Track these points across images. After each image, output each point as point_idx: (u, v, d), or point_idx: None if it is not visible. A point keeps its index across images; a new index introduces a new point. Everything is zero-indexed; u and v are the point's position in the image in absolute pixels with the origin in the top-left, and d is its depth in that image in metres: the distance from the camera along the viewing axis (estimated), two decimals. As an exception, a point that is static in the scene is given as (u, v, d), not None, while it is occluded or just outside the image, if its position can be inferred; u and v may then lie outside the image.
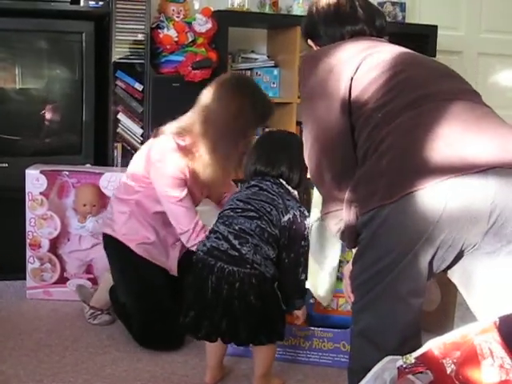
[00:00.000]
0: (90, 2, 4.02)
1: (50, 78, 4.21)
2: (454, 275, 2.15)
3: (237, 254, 2.54)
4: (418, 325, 2.08)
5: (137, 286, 3.25)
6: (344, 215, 2.16)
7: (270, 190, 2.70)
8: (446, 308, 3.23)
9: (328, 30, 2.43)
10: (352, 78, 2.15)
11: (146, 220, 3.31)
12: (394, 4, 5.04)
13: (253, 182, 2.76)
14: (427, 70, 2.21)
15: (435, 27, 4.95)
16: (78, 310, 3.50)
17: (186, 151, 3.20)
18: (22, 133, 4.12)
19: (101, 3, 4.03)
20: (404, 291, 2.01)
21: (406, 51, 2.28)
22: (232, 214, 2.66)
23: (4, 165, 3.95)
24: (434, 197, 1.91)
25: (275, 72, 4.78)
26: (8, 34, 4.00)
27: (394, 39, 4.76)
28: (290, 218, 2.66)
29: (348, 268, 2.28)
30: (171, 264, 3.36)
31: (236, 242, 2.57)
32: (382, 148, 2.02)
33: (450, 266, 2.08)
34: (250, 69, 4.74)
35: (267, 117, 3.30)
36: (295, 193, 2.80)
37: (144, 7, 4.13)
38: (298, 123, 4.81)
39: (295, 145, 2.72)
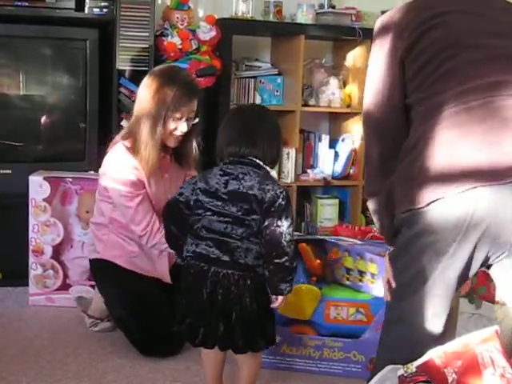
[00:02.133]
0: (95, 10, 4.03)
1: (54, 84, 4.22)
2: (494, 279, 2.17)
3: (228, 259, 2.46)
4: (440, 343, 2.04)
5: (129, 299, 3.24)
6: (382, 217, 2.22)
7: (247, 178, 2.50)
8: (448, 317, 3.22)
9: None
10: (404, 61, 2.13)
11: (125, 235, 3.30)
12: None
13: (226, 169, 2.53)
14: (483, 52, 2.07)
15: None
16: (80, 317, 3.50)
17: (132, 151, 3.21)
18: (25, 139, 4.12)
19: (105, 10, 4.04)
20: (430, 310, 2.02)
21: (475, 16, 2.14)
22: (214, 218, 2.49)
23: (7, 171, 3.96)
24: (462, 205, 1.92)
25: (279, 80, 4.78)
26: (12, 40, 4.01)
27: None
28: (269, 199, 2.45)
29: (387, 259, 2.28)
30: (161, 272, 3.35)
31: (226, 248, 2.47)
32: (418, 149, 2.02)
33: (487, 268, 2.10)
34: (254, 77, 4.75)
35: (189, 92, 3.20)
36: (273, 173, 2.65)
37: (148, 15, 4.14)
38: (302, 131, 4.82)
39: (268, 118, 2.68)
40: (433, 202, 1.95)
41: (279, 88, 4.79)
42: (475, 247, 1.96)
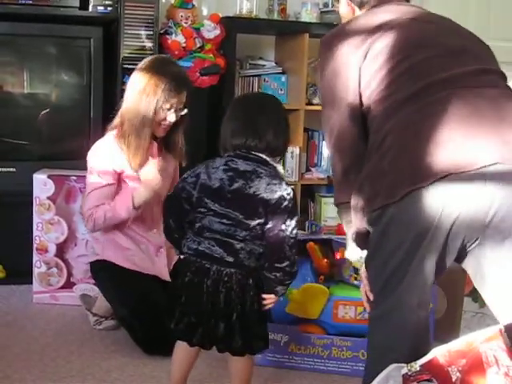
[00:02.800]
0: (99, 8, 4.03)
1: (58, 82, 4.22)
2: (468, 269, 2.17)
3: (232, 260, 2.41)
4: (429, 332, 2.11)
5: (131, 298, 3.24)
6: (353, 220, 2.20)
7: (254, 178, 2.43)
8: (452, 316, 3.22)
9: None
10: (360, 68, 2.17)
11: (121, 233, 3.34)
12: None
13: (232, 164, 2.46)
14: (439, 49, 2.15)
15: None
16: (85, 315, 3.50)
17: (121, 140, 3.29)
18: (29, 137, 4.13)
19: (109, 9, 4.04)
20: (414, 300, 2.04)
21: (424, 23, 2.25)
22: (217, 219, 2.43)
23: (12, 169, 3.96)
24: (434, 195, 1.94)
25: (283, 79, 4.78)
26: (16, 38, 4.02)
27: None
28: (275, 200, 2.40)
29: (364, 271, 2.29)
30: (159, 270, 3.37)
31: (230, 249, 2.42)
32: (384, 146, 2.05)
33: (457, 261, 2.11)
34: (258, 75, 4.74)
35: (178, 83, 3.26)
36: (280, 168, 2.55)
37: (152, 13, 4.14)
38: (306, 130, 4.81)
39: (275, 106, 2.62)
40: (405, 194, 1.97)
41: (283, 86, 4.79)
42: (449, 235, 1.98)
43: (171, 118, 3.26)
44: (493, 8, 5.65)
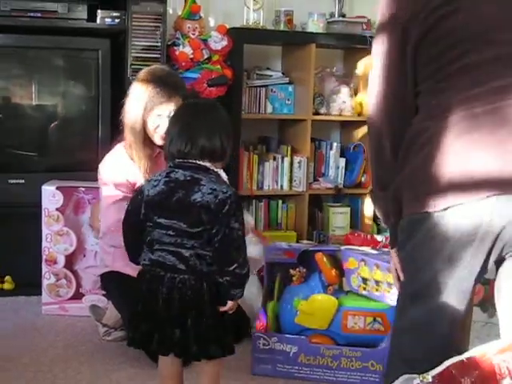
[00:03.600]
0: (107, 20, 4.05)
1: (67, 94, 4.24)
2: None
3: (184, 267, 2.40)
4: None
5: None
6: (389, 213, 2.16)
7: (193, 186, 2.40)
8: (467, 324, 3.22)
9: None
10: (417, 45, 1.98)
11: None
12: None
13: (172, 175, 2.44)
14: (505, 49, 1.92)
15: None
16: (94, 326, 3.50)
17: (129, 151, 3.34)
18: (38, 149, 4.15)
19: (117, 21, 4.06)
20: (448, 315, 1.99)
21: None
22: (163, 232, 2.43)
23: (21, 181, 3.97)
24: (476, 213, 1.88)
25: (290, 89, 4.79)
26: (25, 50, 4.04)
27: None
28: (216, 205, 2.38)
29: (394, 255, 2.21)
30: None
31: (180, 257, 2.41)
32: (425, 151, 1.95)
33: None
34: (265, 85, 4.76)
35: (164, 89, 3.26)
36: (221, 173, 2.51)
37: (160, 24, 4.15)
38: (313, 140, 4.82)
39: (210, 111, 2.57)
40: (448, 207, 1.90)
41: (290, 97, 4.80)
42: (489, 255, 1.94)
43: (163, 126, 3.18)
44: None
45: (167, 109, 3.23)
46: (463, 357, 1.70)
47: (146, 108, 3.24)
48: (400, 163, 2.05)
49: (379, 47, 2.07)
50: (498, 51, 1.91)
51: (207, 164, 2.47)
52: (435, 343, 1.99)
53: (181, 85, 3.42)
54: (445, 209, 1.90)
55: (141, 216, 2.50)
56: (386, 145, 2.11)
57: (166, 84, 3.27)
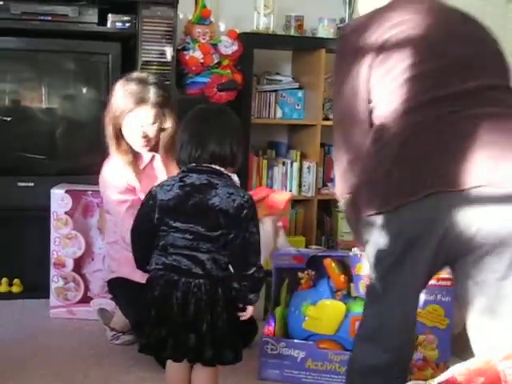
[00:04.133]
0: (117, 24, 4.05)
1: (77, 98, 4.25)
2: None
3: (200, 271, 2.42)
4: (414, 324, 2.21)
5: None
6: (350, 214, 2.31)
7: (210, 190, 2.43)
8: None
9: None
10: (371, 66, 2.17)
11: None
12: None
13: (186, 179, 2.47)
14: (449, 59, 2.14)
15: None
16: (102, 330, 3.50)
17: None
18: (47, 152, 4.15)
19: (127, 25, 4.06)
20: (403, 297, 2.13)
21: (443, 21, 2.22)
22: (179, 235, 2.44)
23: (30, 184, 3.98)
24: (424, 207, 2.00)
25: (300, 94, 4.80)
26: (35, 54, 4.05)
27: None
28: (234, 210, 2.40)
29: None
30: None
31: (196, 261, 2.43)
32: (384, 152, 2.10)
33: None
34: (275, 90, 4.76)
35: (136, 99, 3.24)
36: (234, 177, 2.57)
37: (170, 29, 4.15)
38: (322, 145, 4.82)
39: (220, 116, 2.60)
40: (398, 207, 2.02)
41: (300, 102, 4.80)
42: (438, 252, 2.04)
43: (137, 133, 3.26)
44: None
45: (136, 117, 3.23)
46: (469, 364, 1.70)
47: (115, 115, 3.25)
48: (358, 171, 2.21)
49: (339, 69, 2.30)
50: (441, 63, 2.12)
51: (221, 168, 2.48)
52: (393, 323, 2.15)
53: (150, 94, 3.29)
54: (395, 208, 2.03)
55: (154, 221, 2.50)
56: (344, 157, 2.29)
57: (140, 93, 3.25)
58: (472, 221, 1.98)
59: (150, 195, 2.54)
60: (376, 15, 2.25)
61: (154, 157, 3.36)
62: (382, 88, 2.15)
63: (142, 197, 3.17)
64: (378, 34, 2.17)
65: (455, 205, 1.98)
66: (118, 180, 3.30)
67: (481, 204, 1.97)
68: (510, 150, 1.99)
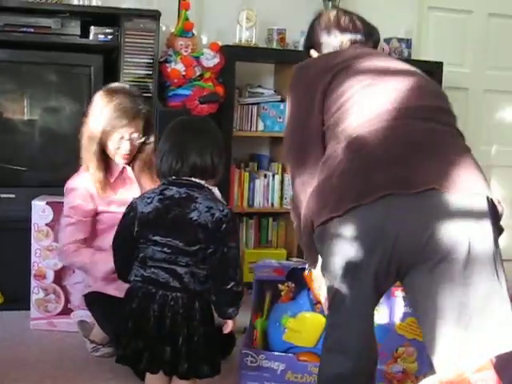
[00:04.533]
0: (99, 36, 4.07)
1: (58, 109, 4.25)
2: (405, 292, 2.27)
3: (178, 284, 2.43)
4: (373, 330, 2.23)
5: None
6: (302, 234, 2.34)
7: (189, 203, 2.44)
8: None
9: (330, 37, 2.64)
10: (325, 91, 2.33)
11: None
12: (400, 40, 5.09)
13: (166, 192, 2.48)
14: (394, 84, 2.31)
15: (441, 64, 4.99)
16: (82, 342, 3.48)
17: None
18: (29, 164, 4.16)
19: (110, 37, 4.08)
20: (358, 308, 2.15)
21: (382, 62, 2.45)
22: (158, 249, 2.45)
23: (11, 195, 3.99)
24: (375, 211, 2.05)
25: (282, 106, 4.80)
26: (18, 65, 4.07)
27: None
28: (213, 223, 2.41)
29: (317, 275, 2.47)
30: None
31: (174, 274, 2.43)
32: (334, 163, 2.17)
33: (401, 280, 2.19)
34: (257, 103, 4.78)
35: (125, 112, 3.23)
36: (215, 190, 2.60)
37: (152, 41, 4.17)
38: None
39: (201, 128, 2.59)
40: (349, 209, 2.07)
41: (282, 114, 4.80)
42: (386, 253, 2.07)
43: (124, 147, 3.27)
44: (490, 37, 5.69)
45: (126, 132, 3.24)
46: (441, 376, 1.71)
47: (105, 130, 3.22)
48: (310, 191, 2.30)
49: (294, 97, 2.47)
50: (375, 91, 2.28)
51: (201, 182, 2.48)
52: (352, 335, 2.18)
53: (142, 107, 3.33)
54: (345, 212, 2.08)
55: (134, 233, 2.51)
56: (298, 179, 2.41)
57: (128, 107, 3.25)
58: (424, 225, 2.03)
59: (131, 207, 2.54)
60: (325, 55, 2.58)
61: (124, 168, 3.38)
62: (335, 109, 2.28)
63: (115, 209, 3.21)
64: (329, 66, 2.39)
65: (406, 208, 2.03)
66: (72, 196, 3.34)
67: (432, 207, 2.03)
68: (457, 160, 2.12)
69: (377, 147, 2.12)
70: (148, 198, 2.50)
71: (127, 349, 2.50)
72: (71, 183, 3.37)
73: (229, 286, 2.44)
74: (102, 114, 3.23)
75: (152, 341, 2.44)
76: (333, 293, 2.19)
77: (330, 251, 2.15)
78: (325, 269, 2.23)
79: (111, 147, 3.27)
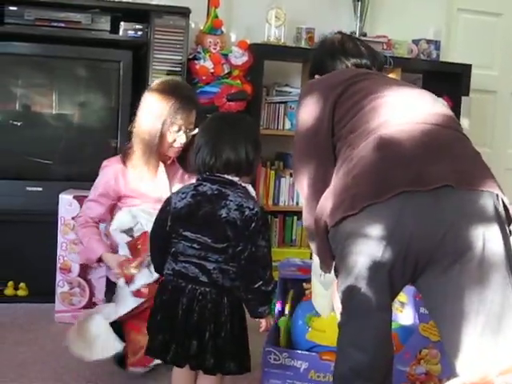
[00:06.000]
0: (129, 32, 4.09)
1: (87, 104, 4.28)
2: (420, 292, 2.25)
3: (207, 280, 2.43)
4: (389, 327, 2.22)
5: None
6: (315, 238, 2.32)
7: (220, 200, 2.43)
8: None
9: (334, 62, 2.67)
10: (336, 102, 2.33)
11: None
12: (428, 42, 5.07)
13: (199, 188, 2.48)
14: (402, 94, 2.33)
15: (469, 66, 4.97)
16: (106, 336, 3.50)
17: (128, 163, 3.37)
18: (57, 158, 4.18)
19: (139, 33, 4.10)
20: (373, 305, 2.12)
21: (389, 79, 2.52)
22: (188, 245, 2.46)
23: (38, 188, 4.02)
24: (390, 209, 2.04)
25: (309, 106, 4.80)
26: (48, 59, 4.09)
27: (428, 77, 4.78)
28: (243, 221, 2.40)
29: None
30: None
31: (203, 270, 2.44)
32: (349, 166, 2.16)
33: (414, 282, 2.18)
34: (284, 102, 4.78)
35: (185, 105, 3.24)
36: (249, 188, 2.56)
37: (182, 38, 4.19)
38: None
39: (236, 124, 2.57)
40: (363, 208, 2.05)
41: (309, 114, 4.80)
42: (401, 251, 2.05)
43: (181, 139, 3.26)
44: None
45: (186, 124, 3.24)
46: (465, 378, 1.70)
47: (166, 123, 3.21)
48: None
49: (303, 108, 2.44)
50: (389, 99, 2.28)
51: (235, 178, 2.48)
52: (367, 332, 2.15)
53: (197, 99, 3.44)
54: (360, 210, 2.06)
55: (167, 228, 2.52)
56: (309, 188, 2.39)
57: (186, 99, 3.26)
58: (439, 222, 2.02)
59: (167, 202, 2.56)
60: (336, 72, 2.59)
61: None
62: (349, 118, 2.29)
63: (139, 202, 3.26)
64: (340, 80, 2.40)
65: (421, 205, 2.03)
66: (104, 180, 3.37)
67: (447, 204, 2.03)
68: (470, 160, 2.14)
69: (390, 149, 2.12)
70: (183, 193, 2.51)
71: (155, 341, 2.51)
72: (103, 166, 3.42)
73: (257, 285, 2.44)
74: (163, 106, 3.22)
75: (179, 334, 2.44)
76: (348, 291, 2.17)
77: (345, 250, 2.14)
78: (339, 268, 2.21)
79: (169, 139, 3.26)
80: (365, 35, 4.88)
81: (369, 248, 2.07)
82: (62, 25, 3.98)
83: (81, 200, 3.70)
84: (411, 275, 2.14)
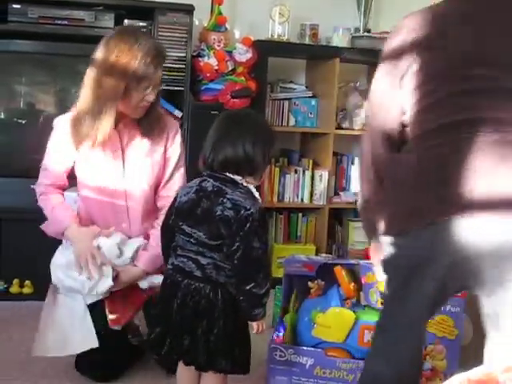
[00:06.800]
0: (133, 29, 4.08)
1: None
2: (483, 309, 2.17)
3: (201, 275, 2.42)
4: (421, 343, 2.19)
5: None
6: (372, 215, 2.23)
7: (219, 198, 2.40)
8: (478, 343, 3.20)
9: None
10: (405, 75, 2.12)
11: None
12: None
13: (202, 184, 2.46)
14: (478, 82, 2.01)
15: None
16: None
17: (77, 123, 3.10)
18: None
19: (143, 30, 4.09)
20: (413, 315, 2.08)
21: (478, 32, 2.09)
22: (186, 239, 2.46)
23: (43, 187, 4.00)
24: (429, 236, 1.95)
25: (313, 102, 4.81)
26: (51, 57, 4.08)
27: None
28: (238, 220, 2.36)
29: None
30: None
31: (198, 264, 2.43)
32: (416, 169, 2.03)
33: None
34: (289, 99, 4.78)
35: (156, 58, 2.87)
36: (251, 188, 2.48)
37: (185, 35, 4.19)
38: (335, 154, 4.82)
39: (245, 120, 2.54)
40: (401, 231, 2.01)
41: (313, 110, 4.81)
42: (443, 278, 1.99)
43: (150, 97, 2.92)
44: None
45: (154, 79, 2.89)
46: (470, 374, 1.69)
47: (133, 80, 2.84)
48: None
49: (377, 75, 2.28)
50: (467, 86, 2.00)
51: (237, 177, 2.45)
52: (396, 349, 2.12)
53: (163, 48, 3.03)
54: (398, 232, 2.02)
55: (170, 221, 2.55)
56: (371, 168, 2.30)
57: (157, 53, 2.90)
58: (475, 249, 1.92)
59: (176, 195, 2.57)
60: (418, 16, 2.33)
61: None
62: (412, 105, 2.10)
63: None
64: (412, 46, 2.16)
65: (459, 232, 1.92)
66: (58, 141, 3.15)
67: (483, 231, 1.91)
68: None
69: (462, 158, 1.94)
70: (189, 187, 2.51)
71: (153, 333, 2.53)
72: (56, 125, 3.18)
73: (248, 287, 2.40)
74: (132, 56, 2.85)
75: (174, 328, 2.45)
76: (389, 295, 2.16)
77: (387, 260, 2.11)
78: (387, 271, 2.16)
79: (136, 97, 2.90)
80: (369, 31, 4.88)
81: (402, 274, 2.04)
82: (66, 22, 3.99)
83: (85, 197, 3.70)
84: (451, 295, 2.14)
